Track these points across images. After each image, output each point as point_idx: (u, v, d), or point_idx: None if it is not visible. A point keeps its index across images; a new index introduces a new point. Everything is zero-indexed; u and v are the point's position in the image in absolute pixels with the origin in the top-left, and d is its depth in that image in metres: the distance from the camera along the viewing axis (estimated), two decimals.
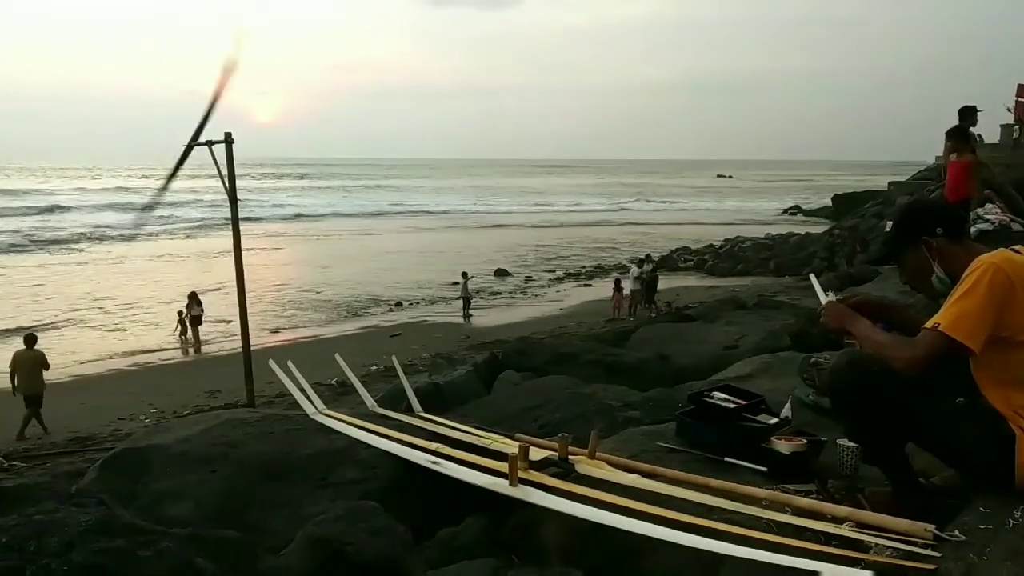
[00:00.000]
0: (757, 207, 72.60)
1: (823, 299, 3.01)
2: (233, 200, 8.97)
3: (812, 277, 3.67)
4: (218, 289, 25.13)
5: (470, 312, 23.45)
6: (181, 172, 9.44)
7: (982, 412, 2.54)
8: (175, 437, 4.40)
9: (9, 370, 13.40)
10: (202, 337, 20.38)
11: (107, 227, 45.96)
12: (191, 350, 19.72)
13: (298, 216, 57.13)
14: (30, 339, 13.90)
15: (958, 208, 7.28)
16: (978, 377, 2.58)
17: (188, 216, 50.98)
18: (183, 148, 8.85)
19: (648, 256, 25.54)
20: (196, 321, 20.40)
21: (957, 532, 2.32)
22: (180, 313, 20.60)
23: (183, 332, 20.43)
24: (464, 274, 24.99)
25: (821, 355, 4.40)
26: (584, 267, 34.62)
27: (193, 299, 20.57)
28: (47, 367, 13.61)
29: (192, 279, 27.89)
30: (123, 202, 56.89)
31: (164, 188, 9.33)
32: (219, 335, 20.43)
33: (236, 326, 12.29)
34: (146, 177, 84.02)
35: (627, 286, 23.07)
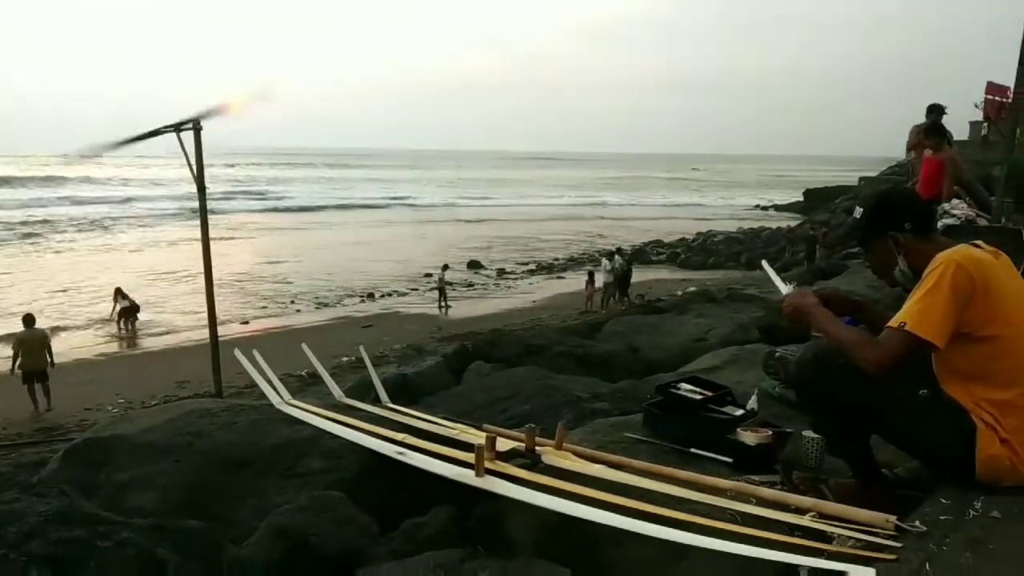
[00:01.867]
0: (729, 201, 73.12)
1: (781, 288, 3.02)
2: (201, 188, 8.83)
3: (765, 264, 3.67)
4: (189, 278, 25.04)
5: (443, 303, 23.49)
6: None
7: (944, 405, 2.57)
8: (139, 427, 4.34)
9: (13, 350, 13.90)
10: (138, 329, 20.57)
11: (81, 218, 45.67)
12: (125, 343, 19.80)
13: (274, 208, 56.72)
14: (30, 319, 14.47)
15: (928, 202, 7.28)
16: (940, 371, 2.61)
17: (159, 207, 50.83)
18: (154, 129, 8.72)
19: (619, 249, 25.71)
20: (125, 313, 20.56)
21: (918, 523, 2.34)
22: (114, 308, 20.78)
23: (119, 325, 20.58)
24: (445, 266, 25.45)
25: (787, 348, 4.42)
26: (557, 259, 34.70)
27: (118, 293, 20.75)
28: (49, 344, 14.25)
29: (172, 266, 27.89)
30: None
31: (117, 145, 9.11)
32: (189, 325, 20.30)
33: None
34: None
35: (599, 279, 23.18)
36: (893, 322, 2.50)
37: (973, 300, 2.46)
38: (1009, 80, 10.79)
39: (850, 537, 2.39)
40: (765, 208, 64.39)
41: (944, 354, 2.53)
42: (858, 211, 2.84)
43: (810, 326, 2.90)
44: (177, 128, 8.45)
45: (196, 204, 9.10)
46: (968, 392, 2.54)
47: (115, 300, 20.69)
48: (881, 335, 2.53)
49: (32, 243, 36.51)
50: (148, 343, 19.52)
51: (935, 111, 9.97)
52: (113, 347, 19.01)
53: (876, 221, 2.78)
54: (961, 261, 2.48)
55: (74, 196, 56.78)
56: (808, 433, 3.23)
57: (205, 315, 9.42)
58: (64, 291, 24.68)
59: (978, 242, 2.66)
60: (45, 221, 43.92)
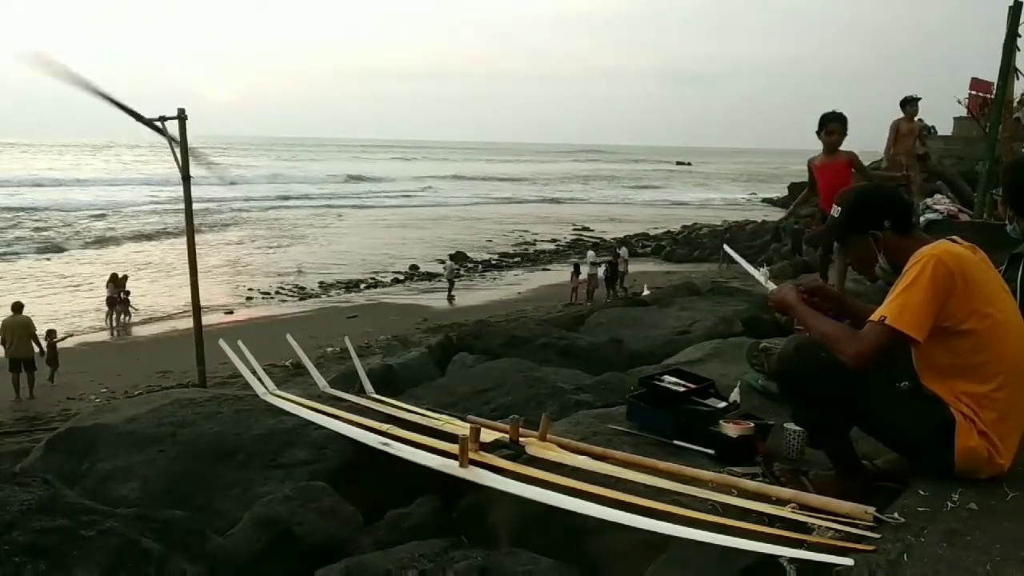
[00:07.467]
0: (715, 195, 73.21)
1: (751, 271, 3.04)
2: (186, 177, 8.82)
3: (726, 247, 3.68)
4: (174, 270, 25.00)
5: (451, 293, 23.86)
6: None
7: (923, 398, 2.60)
8: (123, 416, 4.34)
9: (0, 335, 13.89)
10: (127, 322, 20.50)
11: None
12: (107, 333, 19.76)
13: (257, 202, 56.14)
14: (18, 306, 14.50)
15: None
16: (920, 365, 2.64)
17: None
18: (138, 113, 8.65)
19: (601, 240, 25.95)
20: (110, 303, 20.44)
21: (896, 515, 2.36)
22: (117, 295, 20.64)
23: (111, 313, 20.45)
24: (450, 256, 26.14)
25: (771, 341, 4.45)
26: (543, 252, 34.70)
27: (111, 281, 20.67)
28: (35, 332, 14.25)
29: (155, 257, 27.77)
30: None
31: (98, 93, 8.71)
32: (172, 314, 20.23)
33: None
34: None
35: (584, 271, 23.29)
36: (874, 317, 2.54)
37: (953, 294, 2.49)
38: (992, 75, 10.80)
39: (829, 528, 2.41)
40: (750, 201, 64.56)
41: (924, 348, 2.55)
42: (836, 209, 2.85)
43: (794, 319, 2.92)
44: (162, 118, 8.41)
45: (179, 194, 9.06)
46: (947, 385, 2.57)
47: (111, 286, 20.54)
48: (863, 329, 2.56)
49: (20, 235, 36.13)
50: (131, 332, 19.43)
51: (910, 103, 9.94)
52: (95, 337, 18.88)
53: (856, 219, 2.79)
54: (941, 256, 2.51)
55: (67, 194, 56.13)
56: (789, 425, 3.26)
57: (188, 304, 9.38)
58: (46, 280, 24.55)
59: (955, 237, 2.69)
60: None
